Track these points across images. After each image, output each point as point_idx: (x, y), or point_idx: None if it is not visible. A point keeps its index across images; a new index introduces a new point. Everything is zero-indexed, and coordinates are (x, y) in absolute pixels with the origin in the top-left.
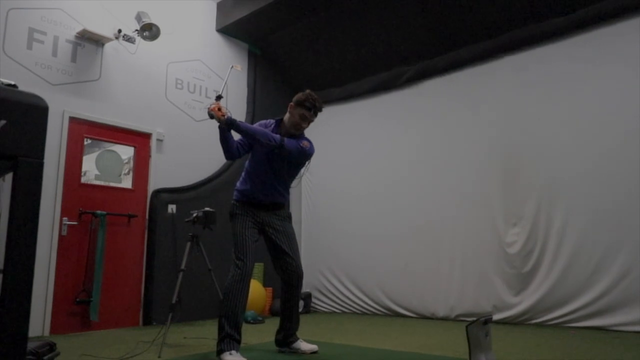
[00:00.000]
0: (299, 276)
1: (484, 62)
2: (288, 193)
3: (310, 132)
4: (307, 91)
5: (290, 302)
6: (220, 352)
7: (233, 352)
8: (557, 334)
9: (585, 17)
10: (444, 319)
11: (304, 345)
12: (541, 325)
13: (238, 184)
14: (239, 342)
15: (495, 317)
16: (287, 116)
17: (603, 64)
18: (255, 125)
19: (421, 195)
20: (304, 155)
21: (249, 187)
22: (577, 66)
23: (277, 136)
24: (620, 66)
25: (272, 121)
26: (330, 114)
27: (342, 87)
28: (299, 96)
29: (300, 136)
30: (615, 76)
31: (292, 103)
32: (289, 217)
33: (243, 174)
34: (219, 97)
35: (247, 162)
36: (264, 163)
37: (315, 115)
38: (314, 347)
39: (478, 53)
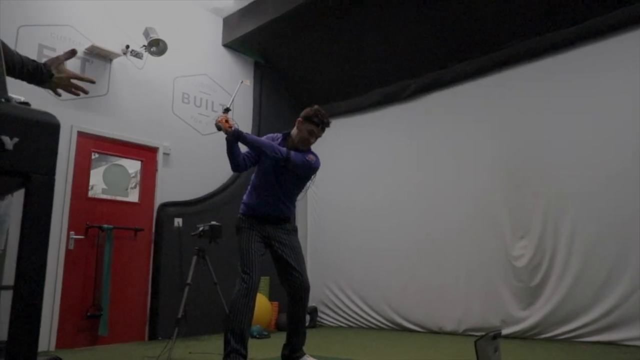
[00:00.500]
0: (306, 290)
1: (489, 75)
2: (294, 206)
3: (315, 145)
4: (315, 106)
5: (297, 317)
6: None
7: None
8: (567, 349)
9: (594, 28)
10: (452, 333)
11: None
12: (551, 339)
13: (244, 197)
14: (245, 357)
15: (504, 331)
16: (294, 131)
17: (610, 75)
18: (263, 138)
19: (427, 208)
20: (310, 168)
21: (255, 200)
22: (584, 78)
23: (284, 149)
24: (628, 77)
25: (280, 135)
26: (335, 127)
27: (347, 100)
28: (307, 111)
29: (307, 150)
30: (623, 88)
31: (300, 118)
32: (295, 230)
33: (249, 187)
34: (226, 110)
35: (253, 176)
36: (270, 176)
37: (323, 130)
38: None
39: (483, 66)
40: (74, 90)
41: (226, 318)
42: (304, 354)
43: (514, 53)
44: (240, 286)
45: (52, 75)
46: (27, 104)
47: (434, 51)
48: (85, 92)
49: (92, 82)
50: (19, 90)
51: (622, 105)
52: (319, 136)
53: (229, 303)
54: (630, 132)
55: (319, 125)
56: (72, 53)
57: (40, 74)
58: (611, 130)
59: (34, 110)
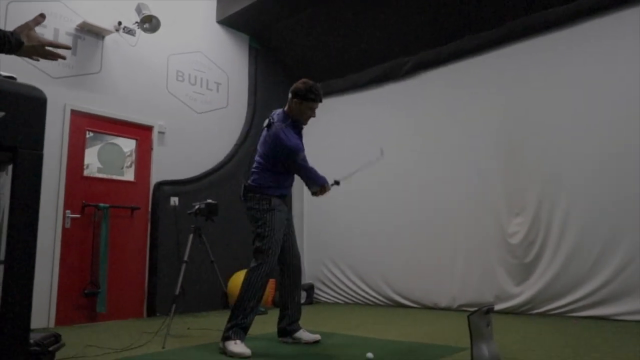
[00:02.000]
0: (298, 258)
1: (486, 52)
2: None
3: (311, 123)
4: (304, 80)
5: (289, 289)
6: (226, 338)
7: (238, 341)
8: (559, 324)
9: (590, 4)
10: (446, 309)
11: (306, 335)
12: (543, 315)
13: (266, 180)
14: (245, 333)
15: (497, 307)
16: (292, 109)
17: (607, 53)
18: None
19: (423, 186)
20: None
21: (282, 183)
22: (581, 56)
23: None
24: (624, 55)
25: (288, 120)
26: (331, 104)
27: (343, 78)
28: (299, 88)
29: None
30: (619, 66)
31: (296, 99)
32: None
33: (269, 172)
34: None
35: (265, 160)
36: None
37: (317, 102)
38: (316, 336)
39: (480, 43)
40: (50, 56)
41: (241, 294)
42: (300, 328)
43: (511, 30)
44: (264, 268)
45: (22, 43)
46: (13, 78)
47: (430, 28)
48: (63, 58)
49: (68, 48)
50: (7, 67)
51: (621, 83)
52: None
53: (249, 280)
54: (627, 110)
55: (316, 100)
56: (42, 17)
57: (8, 42)
58: (608, 110)
59: (20, 84)
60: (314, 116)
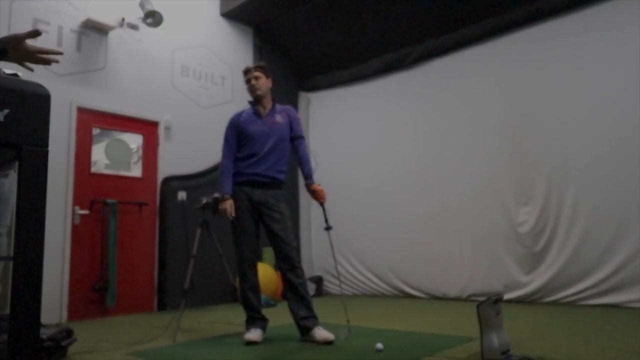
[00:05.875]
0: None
1: (492, 40)
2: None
3: (316, 114)
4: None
5: (284, 287)
6: (246, 329)
7: (252, 329)
8: (569, 312)
9: None
10: (456, 299)
11: (317, 333)
12: (553, 303)
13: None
14: (258, 319)
15: (507, 296)
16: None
17: (618, 39)
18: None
19: (431, 176)
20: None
21: None
22: (590, 42)
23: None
24: (635, 42)
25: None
26: (336, 96)
27: (347, 70)
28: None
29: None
30: (630, 52)
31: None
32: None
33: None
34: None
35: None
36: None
37: (251, 71)
38: (329, 336)
39: (485, 30)
40: (42, 62)
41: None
42: (315, 325)
43: (516, 17)
44: (238, 263)
45: (7, 51)
46: (16, 75)
47: (435, 17)
48: (56, 61)
49: (60, 53)
50: (12, 65)
51: (631, 71)
52: (253, 77)
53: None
54: (637, 98)
55: (246, 73)
56: (35, 33)
57: None
58: (616, 97)
59: (24, 82)
60: (254, 85)
